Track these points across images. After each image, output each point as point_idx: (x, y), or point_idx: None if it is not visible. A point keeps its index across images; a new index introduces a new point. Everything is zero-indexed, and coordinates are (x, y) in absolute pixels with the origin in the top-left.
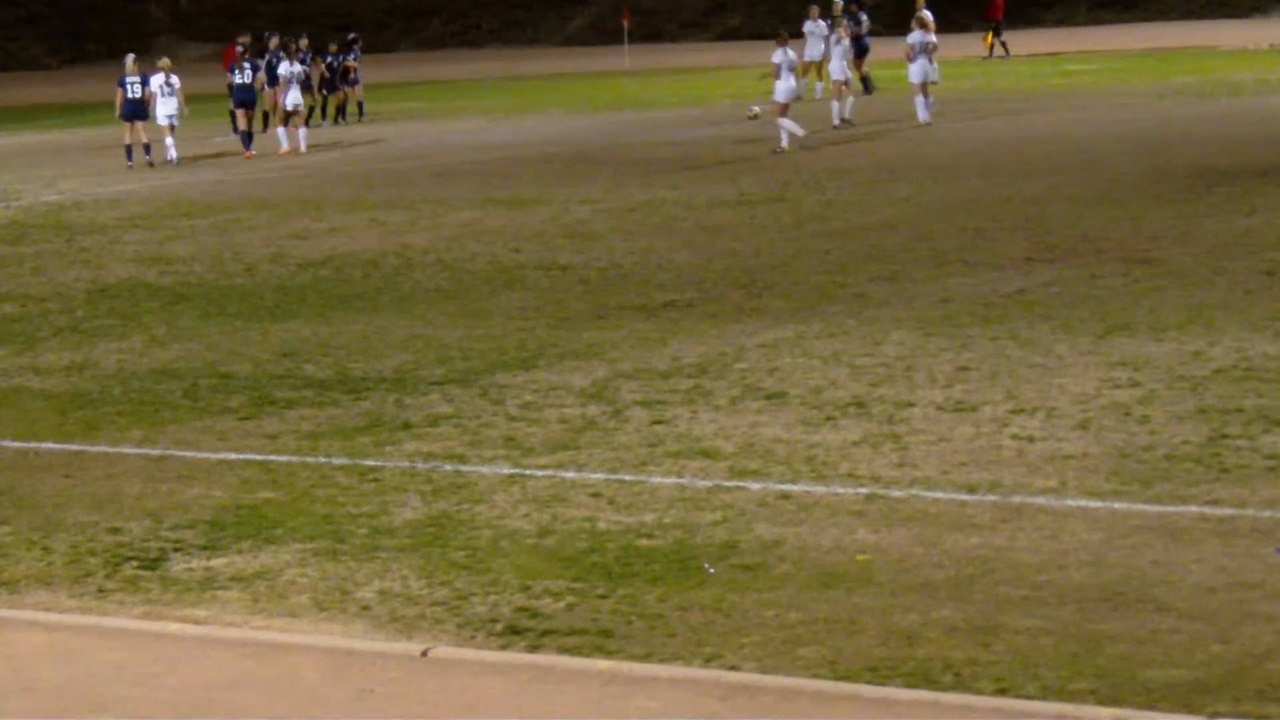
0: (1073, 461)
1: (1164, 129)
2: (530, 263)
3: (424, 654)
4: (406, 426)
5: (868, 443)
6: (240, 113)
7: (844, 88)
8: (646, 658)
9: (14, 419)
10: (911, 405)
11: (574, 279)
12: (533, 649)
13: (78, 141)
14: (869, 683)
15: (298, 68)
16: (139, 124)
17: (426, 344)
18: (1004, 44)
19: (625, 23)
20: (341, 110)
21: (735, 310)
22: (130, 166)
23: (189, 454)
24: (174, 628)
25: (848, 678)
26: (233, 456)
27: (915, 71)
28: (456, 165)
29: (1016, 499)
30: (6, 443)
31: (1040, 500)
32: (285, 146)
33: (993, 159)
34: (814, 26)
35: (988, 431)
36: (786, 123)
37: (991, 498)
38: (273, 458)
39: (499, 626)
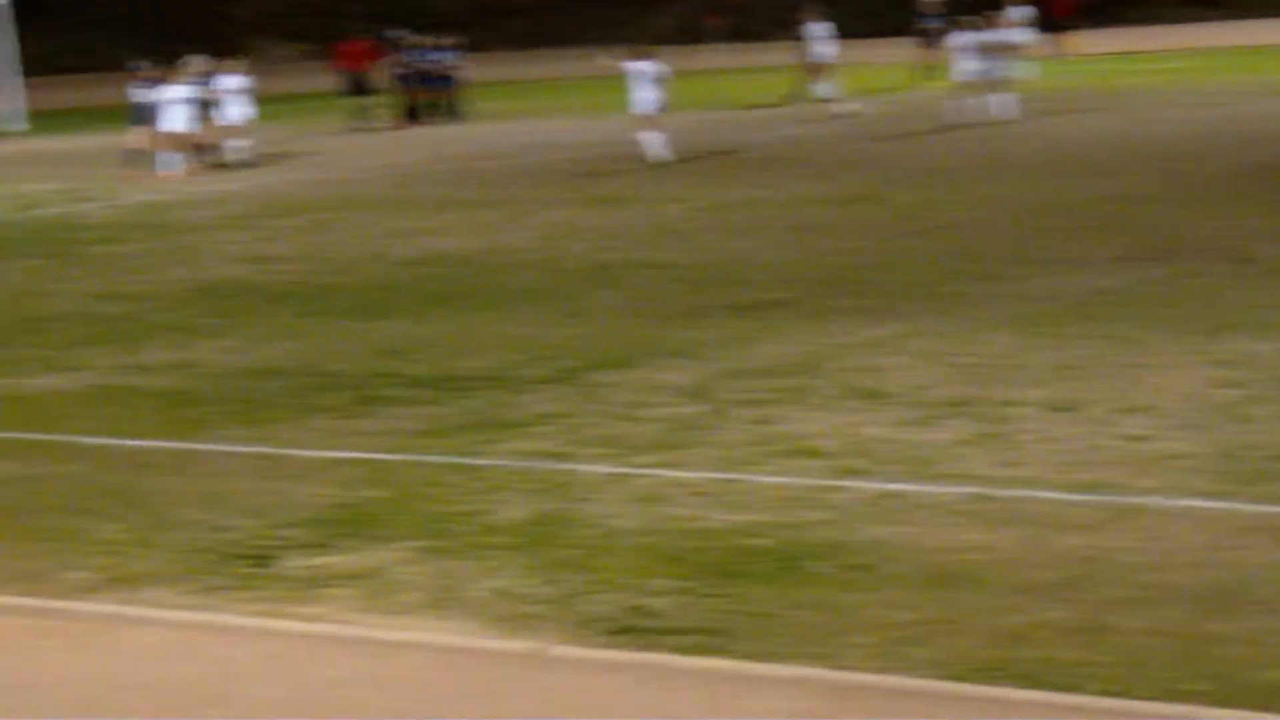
0: (1177, 461)
1: (1255, 126)
2: (625, 261)
3: (537, 652)
4: (509, 425)
5: (972, 442)
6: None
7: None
8: (758, 657)
9: (121, 417)
10: (1014, 405)
11: (670, 277)
12: (646, 648)
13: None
14: (979, 683)
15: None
16: (200, 124)
17: (525, 342)
18: (1058, 42)
19: (712, 22)
20: (444, 109)
21: (832, 309)
22: (200, 165)
23: (294, 452)
24: (285, 625)
25: (957, 678)
26: (337, 455)
27: (968, 70)
28: (549, 164)
29: (1122, 499)
30: (115, 440)
31: (1146, 500)
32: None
33: (1085, 157)
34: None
35: (1092, 431)
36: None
37: (1097, 498)
38: (377, 456)
39: (611, 625)
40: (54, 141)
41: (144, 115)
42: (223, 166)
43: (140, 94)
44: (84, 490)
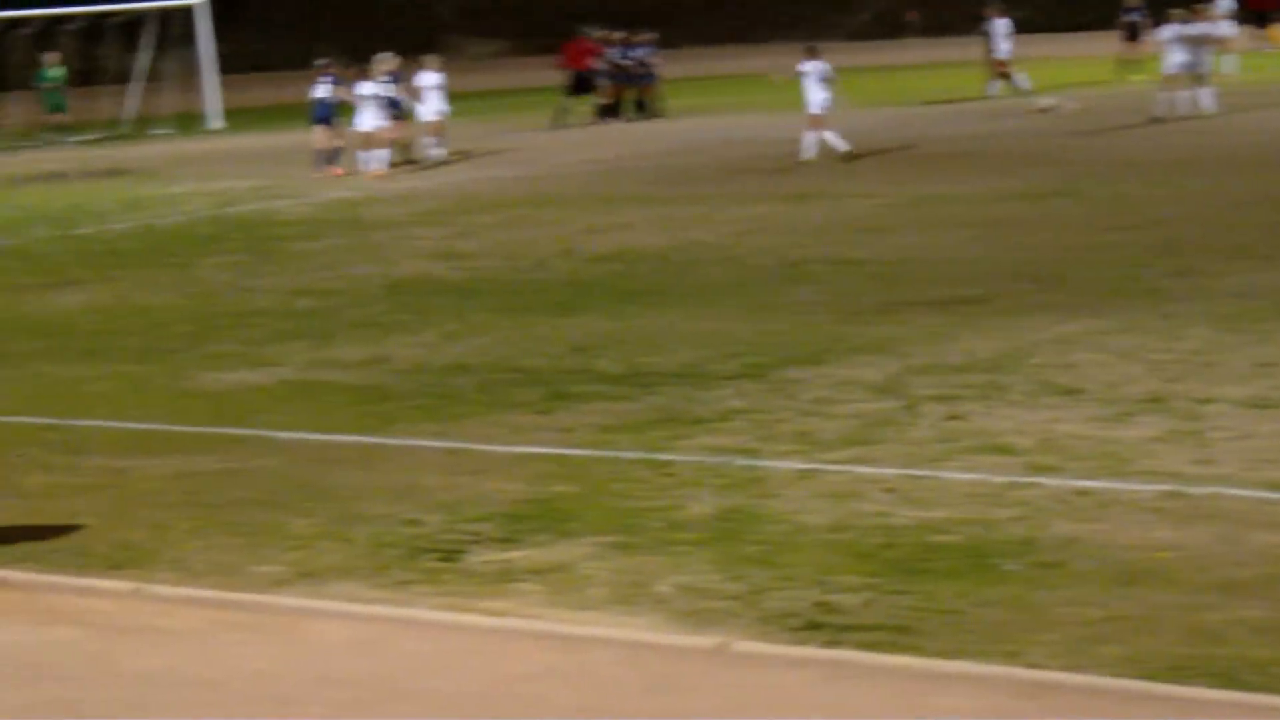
0: None
1: None
2: (817, 257)
3: (723, 648)
4: (699, 421)
5: (1167, 439)
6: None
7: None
8: (945, 654)
9: (313, 412)
10: (1211, 401)
11: (862, 273)
12: (831, 644)
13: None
14: (1170, 682)
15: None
16: (392, 123)
17: (716, 338)
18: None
19: (911, 16)
20: (640, 105)
21: (1027, 305)
22: (414, 163)
23: (484, 447)
24: (474, 619)
25: (1150, 677)
26: (527, 450)
27: (1171, 64)
28: (742, 160)
29: None
30: (307, 435)
31: None
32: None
33: None
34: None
35: None
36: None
37: None
38: (567, 451)
39: (796, 621)
40: (250, 139)
41: (325, 113)
42: (415, 164)
43: (322, 91)
44: (276, 484)
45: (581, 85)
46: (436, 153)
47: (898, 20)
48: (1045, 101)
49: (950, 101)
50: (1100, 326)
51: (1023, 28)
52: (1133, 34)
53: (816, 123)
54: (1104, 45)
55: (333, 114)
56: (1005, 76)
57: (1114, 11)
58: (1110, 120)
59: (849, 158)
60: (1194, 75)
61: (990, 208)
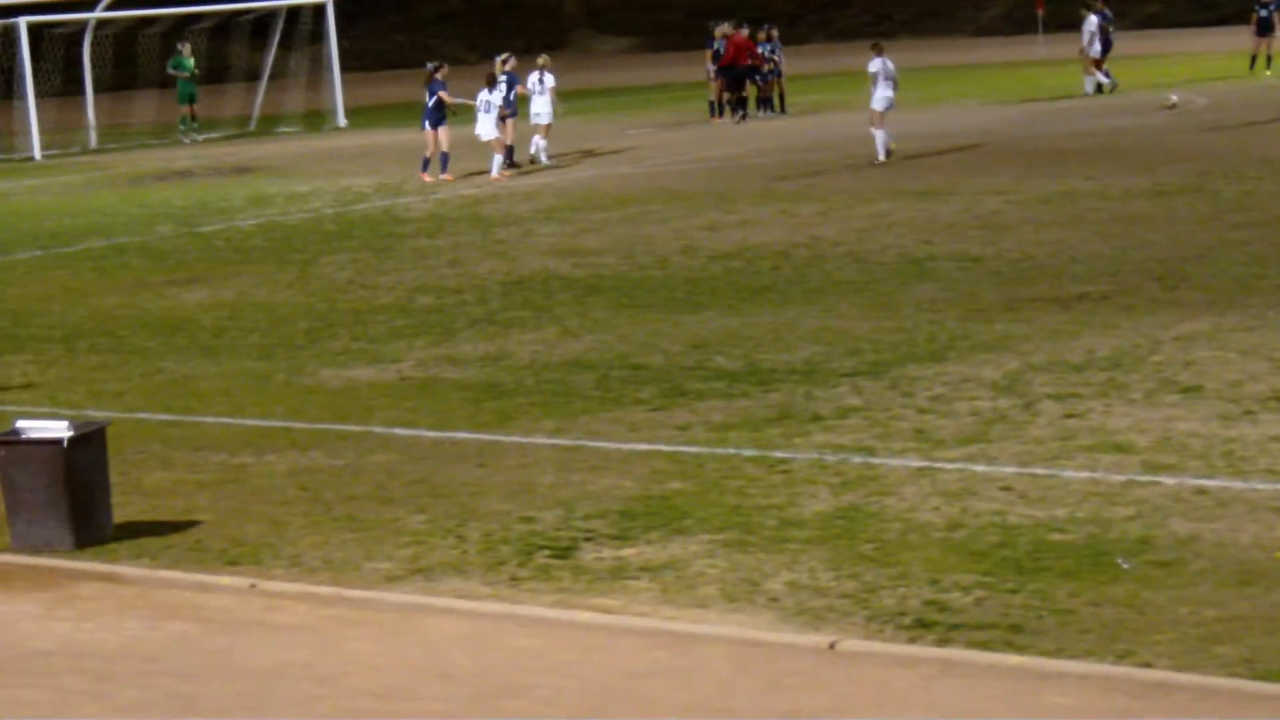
0: None
1: None
2: (941, 254)
3: (832, 646)
4: (816, 418)
5: None
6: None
7: None
8: (1057, 653)
9: (431, 409)
10: None
11: (985, 270)
12: (941, 643)
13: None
14: None
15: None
16: (508, 124)
17: (836, 336)
18: None
19: (1040, 12)
20: (766, 102)
21: (1150, 302)
22: (517, 166)
23: (600, 444)
24: (585, 616)
25: (1266, 677)
26: (643, 447)
27: None
28: (868, 156)
29: None
30: (424, 432)
31: None
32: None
33: None
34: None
35: None
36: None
37: None
38: (682, 449)
39: (907, 620)
40: (375, 136)
41: (435, 117)
42: (527, 165)
43: (435, 93)
44: (392, 481)
45: (737, 81)
46: (545, 155)
47: (1028, 15)
48: (1173, 98)
49: (1084, 96)
50: (1224, 324)
51: (1153, 23)
52: (1264, 28)
53: (879, 120)
54: (1235, 40)
55: (440, 118)
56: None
57: (1246, 7)
58: (1240, 116)
59: (888, 157)
60: None
61: (1118, 204)
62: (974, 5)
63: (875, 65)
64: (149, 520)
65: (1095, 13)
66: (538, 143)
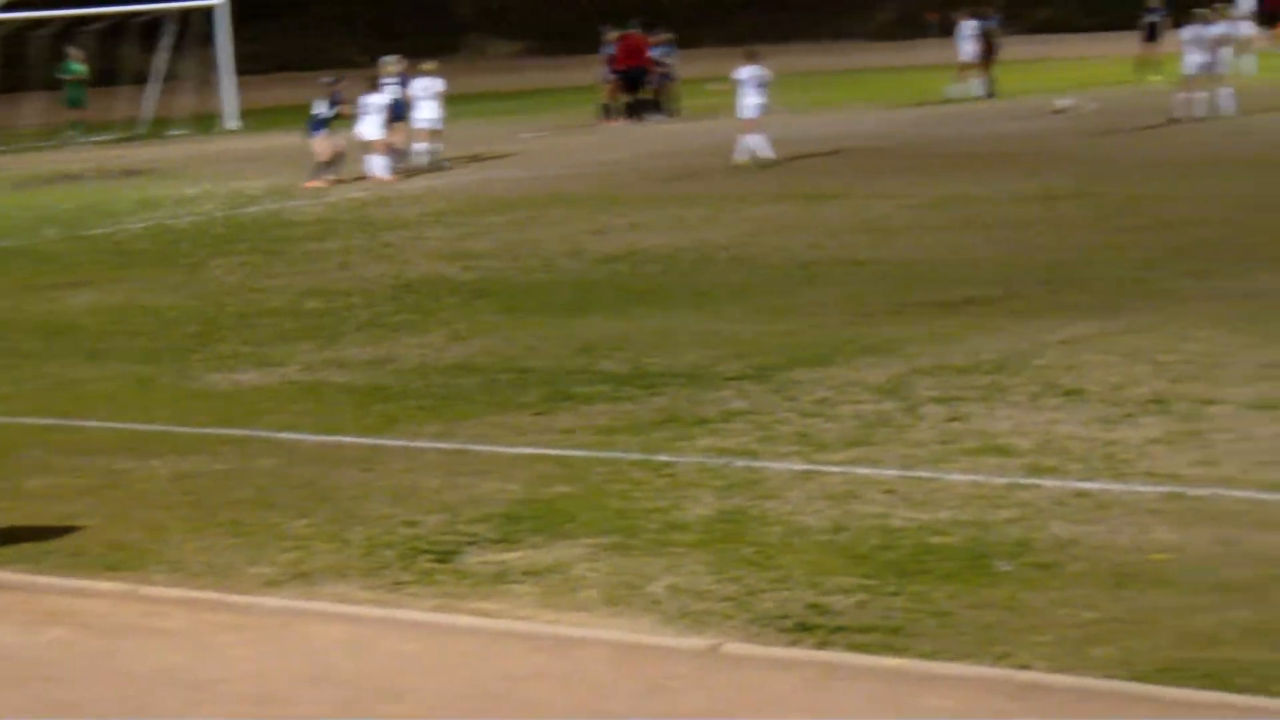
0: None
1: None
2: (828, 258)
3: (713, 650)
4: (701, 422)
5: (1168, 441)
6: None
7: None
8: (937, 656)
9: (316, 412)
10: (1214, 403)
11: (872, 274)
12: (822, 646)
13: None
14: (1163, 684)
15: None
16: (396, 126)
17: (722, 339)
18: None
19: (932, 17)
20: (656, 105)
21: (1036, 306)
22: (397, 169)
23: (485, 448)
24: (466, 621)
25: (1141, 678)
26: (528, 451)
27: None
28: (754, 160)
29: None
30: (309, 436)
31: None
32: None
33: None
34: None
35: None
36: None
37: None
38: (567, 452)
39: (789, 623)
40: (265, 140)
41: (321, 126)
42: (414, 171)
43: (321, 108)
44: (276, 485)
45: (633, 83)
46: (432, 160)
47: (918, 21)
48: (1062, 102)
49: (972, 101)
50: (1108, 328)
51: (1044, 28)
52: (1152, 34)
53: (750, 126)
54: (1124, 45)
55: (323, 127)
56: (985, 75)
57: (1135, 12)
58: (1128, 121)
59: (767, 165)
60: (1212, 76)
61: (1006, 208)
62: (867, 10)
63: (744, 73)
64: (29, 525)
65: (980, 19)
66: (425, 147)
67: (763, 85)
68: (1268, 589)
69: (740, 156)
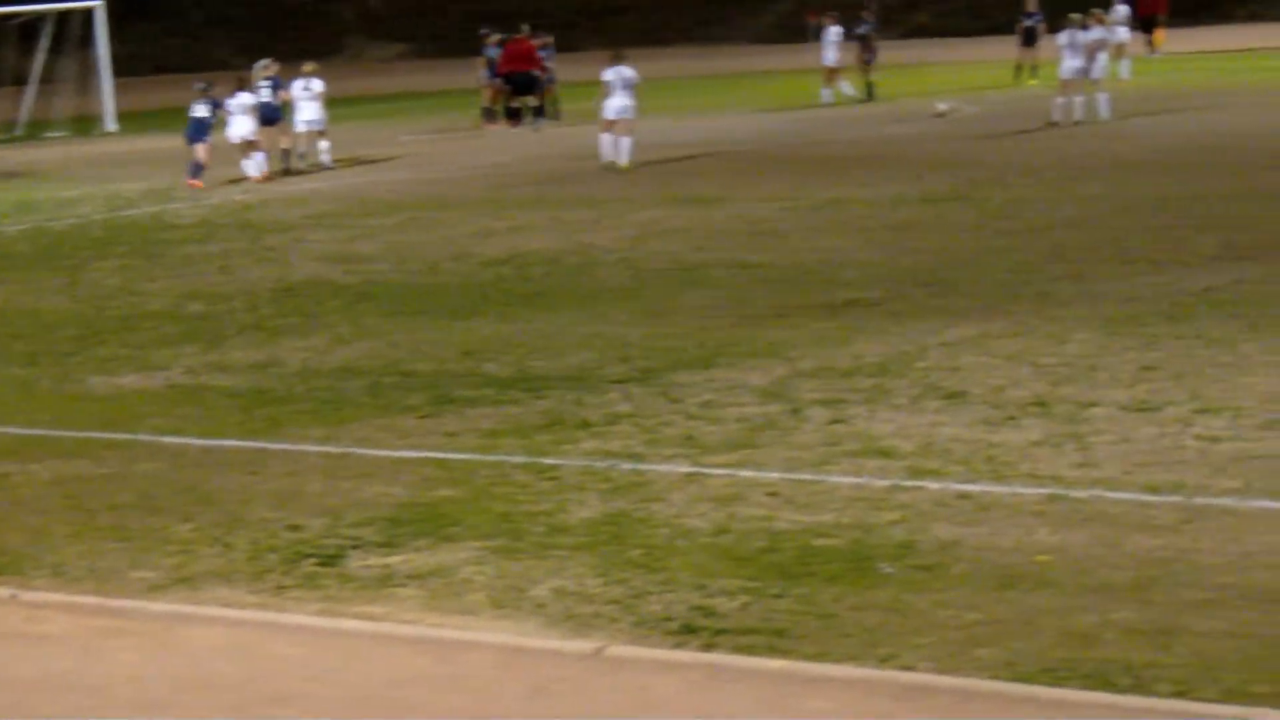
0: (1258, 462)
1: None
2: (713, 261)
3: (598, 652)
4: (585, 425)
5: (1049, 443)
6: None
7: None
8: (821, 657)
9: (199, 416)
10: (1094, 405)
11: (756, 278)
12: (707, 648)
13: (266, 141)
14: (1046, 684)
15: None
16: (273, 128)
17: (607, 342)
18: (1153, 41)
19: (813, 20)
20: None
21: (918, 309)
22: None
23: (369, 451)
24: (351, 624)
25: (1024, 679)
26: (412, 454)
27: (1066, 69)
28: (641, 163)
29: (1200, 500)
30: (192, 440)
31: (1224, 501)
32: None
33: (1182, 156)
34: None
35: (1172, 432)
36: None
37: (1175, 499)
38: (452, 455)
39: (674, 625)
40: (145, 142)
41: (202, 130)
42: (295, 172)
43: (200, 111)
44: (159, 489)
45: (523, 87)
46: (315, 161)
47: (801, 24)
48: (942, 106)
49: (855, 105)
50: (989, 330)
51: (923, 32)
52: (1029, 39)
53: (609, 126)
54: (1003, 50)
55: (208, 131)
56: (864, 78)
57: (1014, 16)
58: (1007, 125)
59: (620, 170)
60: (1089, 81)
61: (886, 212)
62: (748, 14)
63: (609, 74)
64: None
65: (859, 22)
66: (307, 146)
67: (628, 87)
68: (1148, 590)
69: (607, 155)
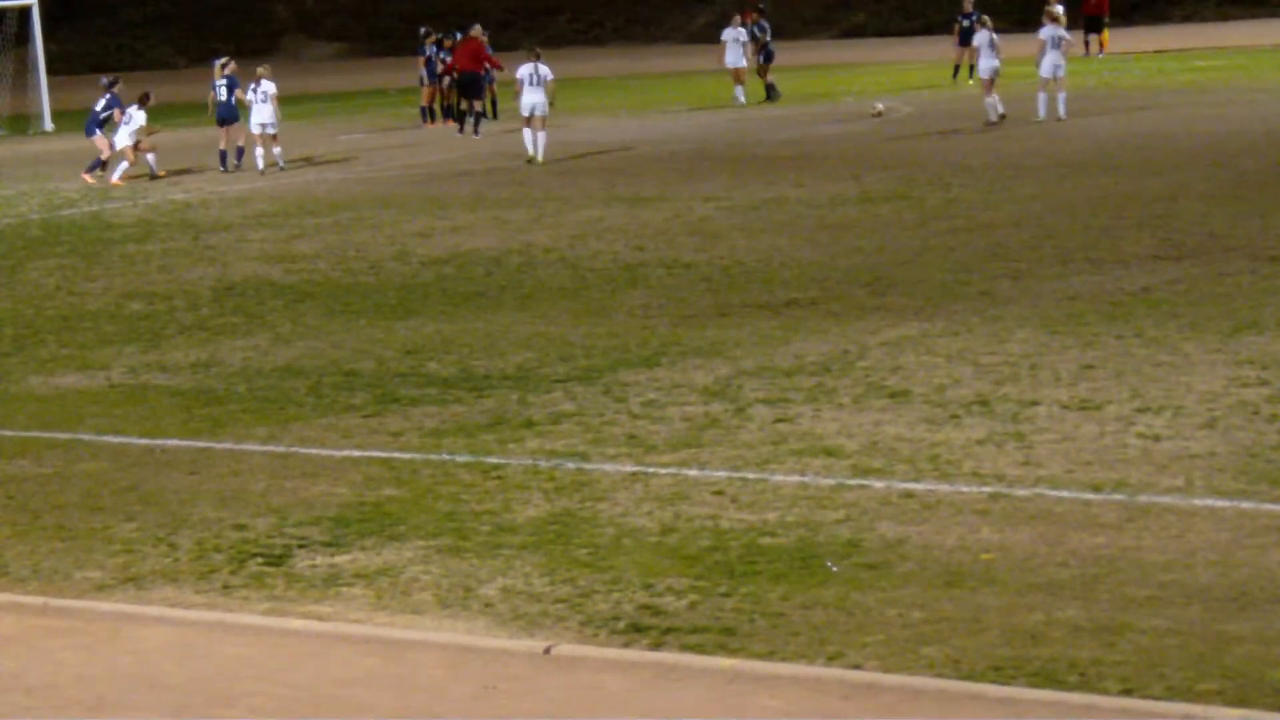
0: (1199, 460)
1: None
2: (653, 261)
3: (546, 651)
4: (529, 424)
5: (992, 441)
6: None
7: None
8: (769, 656)
9: (141, 416)
10: (1036, 404)
11: (697, 277)
12: (655, 647)
13: (204, 140)
14: (993, 682)
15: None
16: (231, 128)
17: (549, 342)
18: (1100, 42)
19: (747, 20)
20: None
21: (859, 308)
22: (224, 171)
23: (313, 451)
24: (298, 624)
25: (971, 677)
26: (357, 454)
27: (1045, 66)
28: (580, 163)
29: (1142, 498)
30: (133, 439)
31: (1166, 499)
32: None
33: (1119, 156)
34: (733, 34)
35: (1113, 430)
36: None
37: (1117, 497)
38: (396, 455)
39: (621, 624)
40: (81, 140)
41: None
42: (232, 170)
43: (104, 105)
44: (102, 489)
45: (470, 87)
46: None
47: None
48: (880, 105)
49: (792, 104)
50: (929, 330)
51: (859, 32)
52: (966, 38)
53: (528, 123)
54: (940, 49)
55: (104, 124)
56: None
57: (951, 16)
58: (944, 124)
59: (536, 164)
60: (1055, 79)
61: (826, 211)
62: (683, 13)
63: (522, 71)
64: None
65: (753, 24)
66: (259, 151)
67: (540, 84)
68: (1093, 587)
69: (529, 149)
